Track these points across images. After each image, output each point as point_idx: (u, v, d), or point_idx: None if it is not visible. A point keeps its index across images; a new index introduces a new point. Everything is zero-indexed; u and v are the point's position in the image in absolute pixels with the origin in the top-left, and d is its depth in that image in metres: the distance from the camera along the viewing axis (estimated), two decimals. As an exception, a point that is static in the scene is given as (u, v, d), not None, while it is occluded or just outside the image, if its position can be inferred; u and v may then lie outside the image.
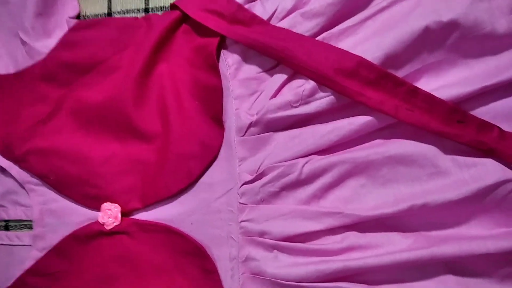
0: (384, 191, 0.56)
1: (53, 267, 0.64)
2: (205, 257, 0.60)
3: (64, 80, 0.66)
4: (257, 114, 0.59)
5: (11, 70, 0.68)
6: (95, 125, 0.65)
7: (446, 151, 0.54)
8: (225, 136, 0.61)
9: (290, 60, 0.57)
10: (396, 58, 0.55)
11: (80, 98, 0.65)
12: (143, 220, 0.63)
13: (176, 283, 0.61)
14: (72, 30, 0.67)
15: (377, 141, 0.57)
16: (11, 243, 0.67)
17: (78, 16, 0.71)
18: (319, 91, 0.57)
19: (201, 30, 0.63)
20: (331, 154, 0.57)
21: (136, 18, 0.67)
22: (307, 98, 0.57)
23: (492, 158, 0.53)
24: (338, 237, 0.56)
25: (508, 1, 0.53)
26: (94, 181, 0.64)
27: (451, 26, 0.53)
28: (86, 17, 0.72)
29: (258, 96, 0.61)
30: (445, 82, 0.56)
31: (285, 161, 0.58)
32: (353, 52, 0.56)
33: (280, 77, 0.59)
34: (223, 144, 0.61)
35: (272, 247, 0.57)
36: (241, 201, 0.59)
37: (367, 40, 0.56)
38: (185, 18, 0.65)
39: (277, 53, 0.58)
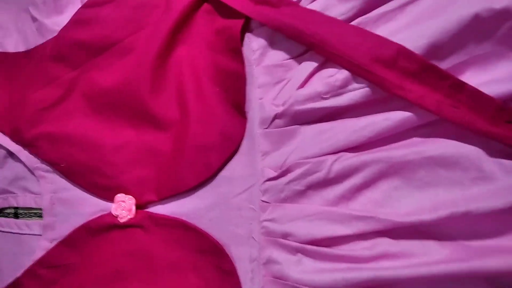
0: (420, 196, 0.51)
1: (63, 259, 0.61)
2: (224, 256, 0.56)
3: (76, 61, 0.62)
4: (283, 105, 0.54)
5: (20, 48, 0.65)
6: (108, 110, 0.61)
7: (492, 153, 0.49)
8: (247, 128, 0.57)
9: (321, 47, 0.52)
10: (440, 48, 0.49)
11: (93, 81, 0.61)
12: (158, 214, 0.59)
13: (190, 281, 0.57)
14: (85, 6, 0.63)
15: (415, 139, 0.52)
16: (20, 231, 0.64)
17: (92, -8, 0.66)
18: (353, 82, 0.52)
19: (224, 10, 0.59)
20: (363, 152, 0.53)
21: (154, -4, 0.62)
22: (339, 89, 0.52)
23: (544, 164, 0.47)
24: (368, 243, 0.52)
25: None
26: (106, 170, 0.60)
27: (504, 15, 0.47)
28: (100, -7, 0.67)
29: (285, 85, 0.56)
30: (493, 77, 0.50)
31: (313, 158, 0.53)
32: (392, 39, 0.50)
33: (310, 65, 0.54)
34: (245, 136, 0.57)
35: (295, 250, 0.53)
36: (263, 199, 0.55)
37: (408, 27, 0.51)
38: (206, -3, 0.60)
39: (307, 38, 0.53)
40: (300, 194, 0.54)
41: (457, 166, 0.50)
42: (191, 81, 0.59)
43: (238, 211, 0.56)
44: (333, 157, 0.53)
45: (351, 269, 0.51)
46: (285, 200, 0.55)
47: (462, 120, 0.49)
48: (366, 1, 0.53)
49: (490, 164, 0.49)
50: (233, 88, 0.57)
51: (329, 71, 0.53)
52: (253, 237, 0.55)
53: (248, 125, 0.57)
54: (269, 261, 0.54)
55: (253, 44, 0.58)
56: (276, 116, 0.55)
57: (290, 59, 0.56)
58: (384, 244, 0.52)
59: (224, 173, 0.57)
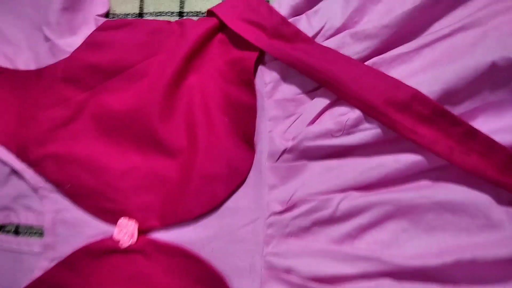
0: (427, 239, 0.51)
1: (61, 280, 0.60)
2: (224, 287, 0.55)
3: (87, 83, 0.62)
4: (292, 140, 0.54)
5: (31, 66, 0.64)
6: (117, 133, 0.61)
7: (501, 202, 0.49)
8: (255, 160, 0.56)
9: (334, 84, 0.52)
10: (455, 93, 0.50)
11: (103, 104, 0.61)
12: (160, 241, 0.58)
13: (188, 311, 0.57)
14: (99, 29, 0.63)
15: (424, 182, 0.52)
16: (20, 249, 0.63)
17: (107, 15, 0.66)
18: (365, 122, 0.52)
19: (238, 41, 0.58)
20: (371, 192, 0.52)
21: (169, 22, 0.62)
22: (351, 129, 0.52)
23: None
24: (371, 283, 0.51)
25: None
26: (111, 194, 0.60)
27: (521, 64, 0.48)
28: (115, 16, 0.67)
29: (296, 120, 0.56)
30: (505, 125, 0.50)
31: (320, 195, 0.53)
32: (406, 82, 0.50)
33: (322, 102, 0.54)
34: (252, 168, 0.57)
35: (298, 286, 0.53)
36: (268, 232, 0.55)
37: (424, 71, 0.51)
38: (222, 27, 0.60)
39: (321, 75, 0.53)
40: (305, 230, 0.54)
41: (465, 212, 0.50)
42: (201, 110, 0.59)
43: (241, 243, 0.56)
44: (341, 195, 0.53)
45: (354, 309, 0.50)
46: (289, 235, 0.54)
47: (473, 168, 0.49)
48: (382, 41, 0.53)
49: (499, 212, 0.49)
50: (243, 119, 0.57)
51: (341, 109, 0.53)
52: (255, 270, 0.55)
53: (256, 158, 0.57)
54: (270, 296, 0.54)
55: (265, 77, 0.58)
56: (285, 151, 0.55)
57: (302, 94, 0.56)
58: (387, 285, 0.51)
59: (229, 204, 0.57)
